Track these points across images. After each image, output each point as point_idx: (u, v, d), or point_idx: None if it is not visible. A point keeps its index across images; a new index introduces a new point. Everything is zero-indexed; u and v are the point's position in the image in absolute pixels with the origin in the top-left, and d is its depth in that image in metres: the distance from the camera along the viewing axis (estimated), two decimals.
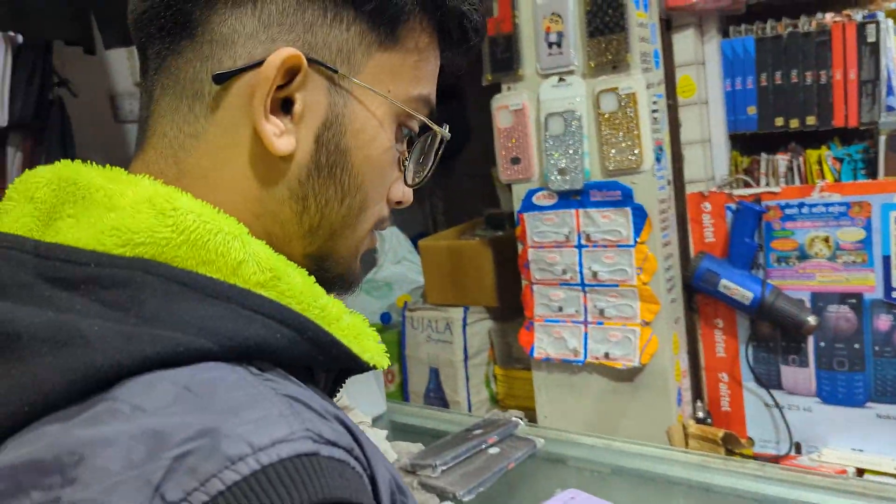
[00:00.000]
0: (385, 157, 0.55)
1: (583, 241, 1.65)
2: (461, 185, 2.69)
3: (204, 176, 0.51)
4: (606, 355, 1.62)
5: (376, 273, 2.56)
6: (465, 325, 1.99)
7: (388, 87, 0.53)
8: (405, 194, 0.58)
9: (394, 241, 2.62)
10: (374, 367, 0.54)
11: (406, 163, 0.57)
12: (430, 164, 0.59)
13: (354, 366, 0.51)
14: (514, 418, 1.26)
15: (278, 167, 0.51)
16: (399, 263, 2.57)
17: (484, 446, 1.18)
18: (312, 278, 0.51)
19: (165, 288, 0.44)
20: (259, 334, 0.44)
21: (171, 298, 0.44)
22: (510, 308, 1.92)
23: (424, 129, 0.58)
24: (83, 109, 2.22)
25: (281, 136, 0.50)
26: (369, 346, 0.52)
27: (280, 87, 0.50)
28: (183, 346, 0.41)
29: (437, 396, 2.03)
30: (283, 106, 0.51)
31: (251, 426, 0.38)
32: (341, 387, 0.58)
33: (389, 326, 2.19)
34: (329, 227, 0.54)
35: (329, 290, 0.53)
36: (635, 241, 1.58)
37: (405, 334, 2.09)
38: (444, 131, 0.58)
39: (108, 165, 0.51)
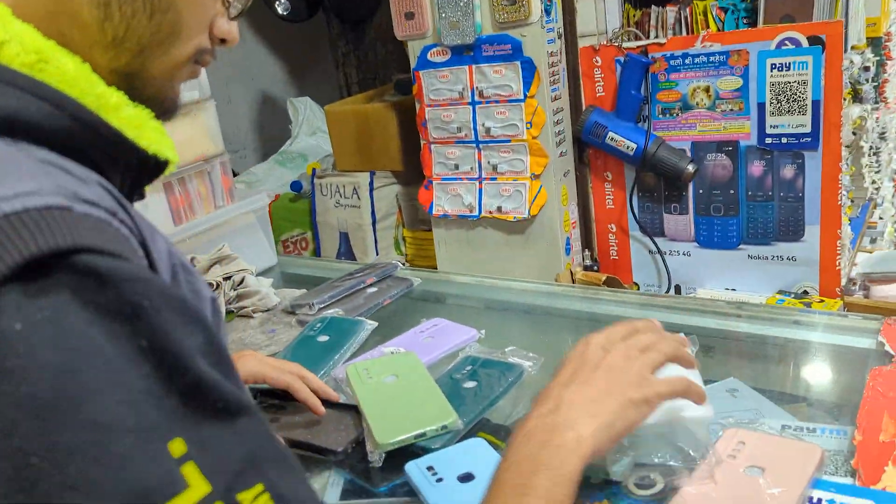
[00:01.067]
0: None
1: (476, 98, 1.66)
2: (375, 52, 2.64)
3: None
4: (499, 209, 1.68)
5: (290, 144, 2.54)
6: (371, 189, 2.02)
7: None
8: (230, 32, 0.56)
9: (308, 113, 2.59)
10: (163, 162, 0.53)
11: None
12: None
13: (133, 155, 0.50)
14: (394, 262, 1.32)
15: None
16: (314, 135, 2.55)
17: (362, 286, 1.24)
18: (89, 66, 0.49)
19: None
20: (9, 105, 0.42)
21: None
22: (416, 172, 1.94)
23: None
24: None
25: None
26: (153, 138, 0.51)
27: None
28: None
29: (348, 260, 2.08)
30: None
31: None
32: (140, 195, 0.56)
33: (301, 195, 2.20)
34: (136, 41, 0.52)
35: None
36: (525, 96, 1.60)
37: (315, 201, 2.11)
38: None
39: None
